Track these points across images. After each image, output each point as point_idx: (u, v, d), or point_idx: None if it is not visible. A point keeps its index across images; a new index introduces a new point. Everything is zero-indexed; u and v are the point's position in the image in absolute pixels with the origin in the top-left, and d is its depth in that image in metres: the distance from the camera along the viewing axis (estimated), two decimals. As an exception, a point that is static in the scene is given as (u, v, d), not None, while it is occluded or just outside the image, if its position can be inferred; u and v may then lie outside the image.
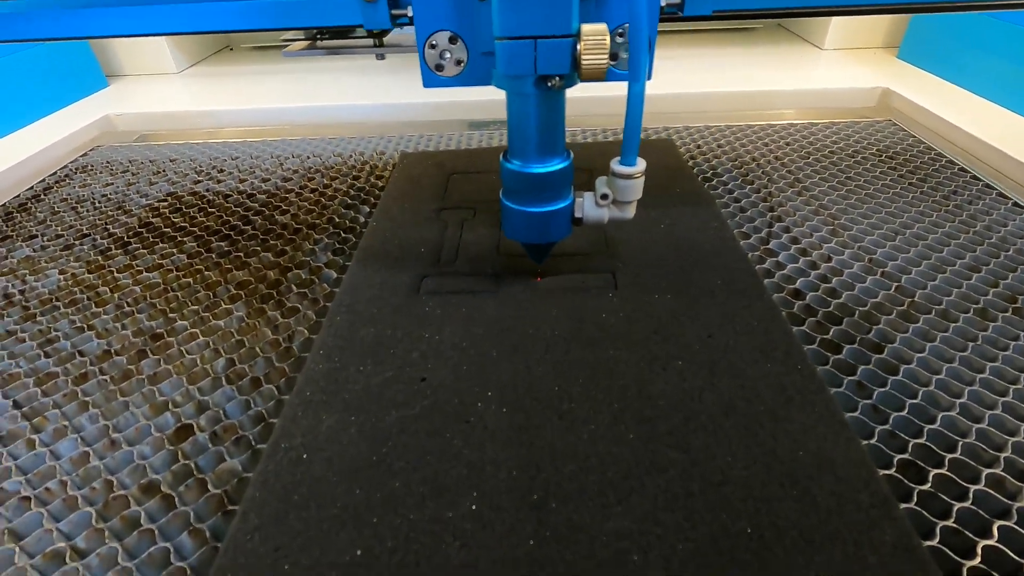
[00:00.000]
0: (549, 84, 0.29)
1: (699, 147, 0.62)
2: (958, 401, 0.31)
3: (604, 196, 0.34)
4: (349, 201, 0.54)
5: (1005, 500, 0.26)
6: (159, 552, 0.26)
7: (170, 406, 0.33)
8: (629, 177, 0.32)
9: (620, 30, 0.31)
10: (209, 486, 0.29)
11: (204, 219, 0.53)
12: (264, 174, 0.61)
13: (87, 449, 0.31)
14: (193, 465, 0.30)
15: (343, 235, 0.49)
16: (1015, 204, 0.48)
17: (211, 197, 0.57)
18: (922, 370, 0.33)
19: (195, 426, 0.32)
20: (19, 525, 0.27)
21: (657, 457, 0.25)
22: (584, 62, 0.27)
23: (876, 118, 0.67)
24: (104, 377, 0.36)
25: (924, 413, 0.30)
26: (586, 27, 0.26)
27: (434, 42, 0.31)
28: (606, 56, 0.27)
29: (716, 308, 0.34)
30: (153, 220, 0.53)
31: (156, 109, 0.79)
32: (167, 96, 0.84)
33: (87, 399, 0.34)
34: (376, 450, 0.26)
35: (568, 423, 0.27)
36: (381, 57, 0.56)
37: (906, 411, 0.30)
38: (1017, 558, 0.24)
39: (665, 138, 0.62)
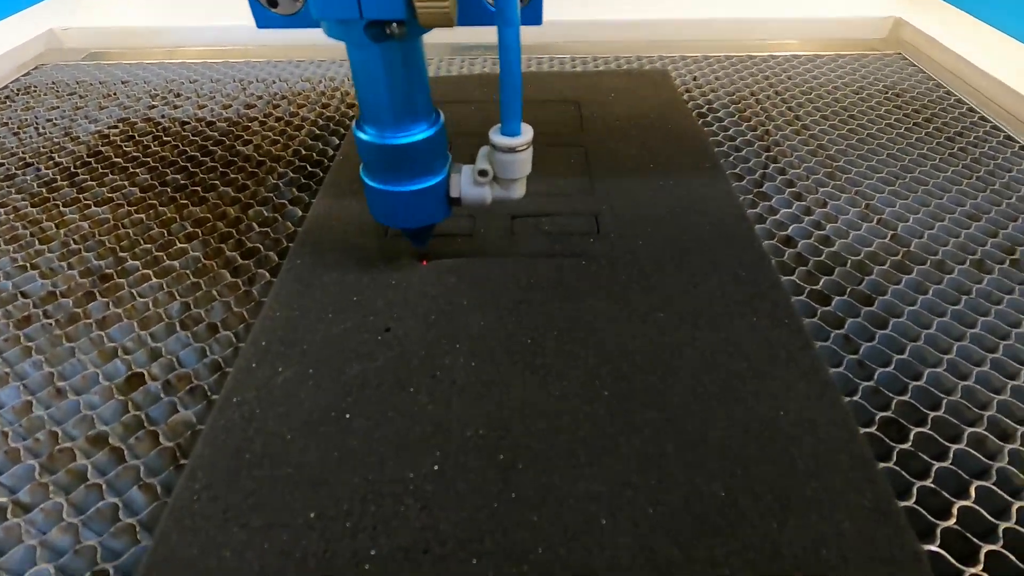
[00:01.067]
0: (388, 32, 0.23)
1: (695, 79, 0.58)
2: (946, 357, 0.30)
3: (483, 173, 0.28)
4: (317, 132, 0.50)
5: (985, 460, 0.25)
6: (107, 507, 0.25)
7: (120, 353, 0.31)
8: (512, 150, 0.26)
9: None
10: (161, 438, 0.27)
11: (159, 148, 0.49)
12: (225, 100, 0.56)
13: (30, 398, 0.29)
14: (144, 416, 0.28)
15: (310, 169, 0.45)
16: (1022, 147, 0.46)
17: (167, 124, 0.52)
18: (912, 324, 0.32)
19: (147, 374, 0.30)
20: (-42, 478, 0.26)
21: (632, 416, 0.24)
22: (419, 5, 0.21)
23: (885, 51, 0.63)
24: (49, 321, 0.33)
25: (910, 369, 0.29)
26: None
27: None
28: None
29: (703, 255, 0.32)
30: (103, 149, 0.49)
31: (106, 24, 0.71)
32: (118, 9, 0.76)
33: (30, 344, 0.32)
34: (335, 405, 0.25)
35: (540, 378, 0.26)
36: None
37: (892, 366, 0.29)
38: (992, 519, 0.23)
39: (660, 68, 0.57)
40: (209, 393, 0.29)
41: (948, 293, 0.33)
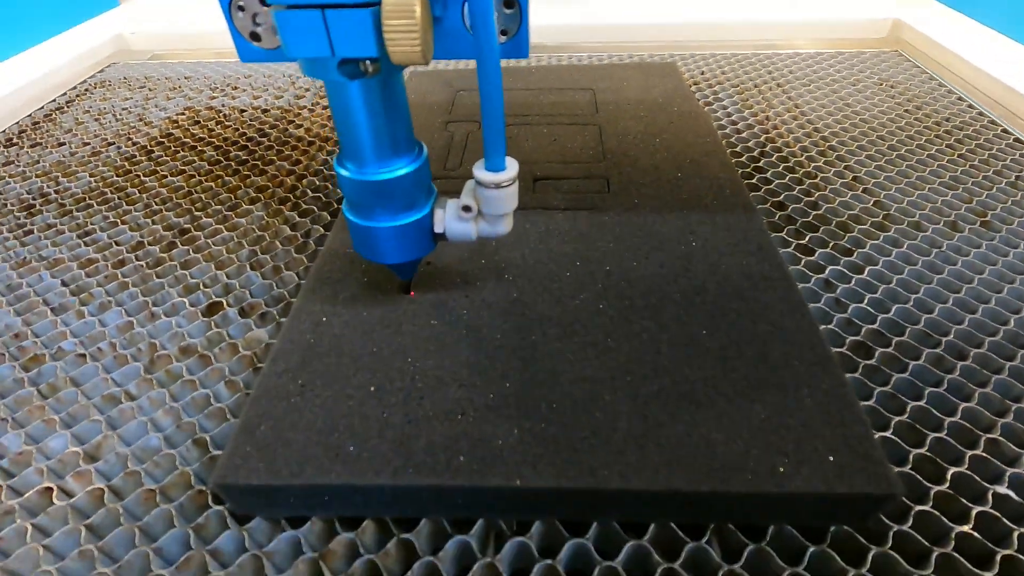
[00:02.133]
0: (361, 69, 0.22)
1: (702, 73, 0.63)
2: (914, 296, 0.34)
3: (467, 208, 0.27)
4: (359, 117, 0.56)
5: (939, 373, 0.30)
6: (200, 396, 0.30)
7: (201, 287, 0.37)
8: (497, 186, 0.25)
9: None
10: (240, 349, 0.33)
11: (222, 131, 0.55)
12: (277, 91, 0.63)
13: (130, 319, 0.35)
14: (225, 333, 0.34)
15: (354, 148, 0.51)
16: (1004, 131, 0.50)
17: (227, 112, 0.59)
18: (887, 271, 0.36)
19: (224, 303, 0.36)
20: (77, 375, 0.32)
21: (632, 326, 0.29)
22: (389, 44, 0.20)
23: (883, 49, 0.67)
24: (140, 263, 0.39)
25: (881, 305, 0.34)
26: None
27: (242, 2, 0.24)
28: (417, 34, 0.20)
29: (700, 212, 0.37)
30: (173, 131, 0.56)
31: (169, 30, 0.79)
32: (177, 16, 0.85)
33: (127, 280, 0.38)
34: (388, 316, 0.30)
35: (556, 298, 0.30)
36: None
37: (865, 302, 0.34)
38: (940, 415, 0.27)
39: (669, 61, 0.63)
40: (278, 317, 0.35)
41: (922, 247, 0.38)
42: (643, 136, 0.45)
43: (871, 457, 0.23)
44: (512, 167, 0.25)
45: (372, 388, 0.26)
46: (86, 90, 0.65)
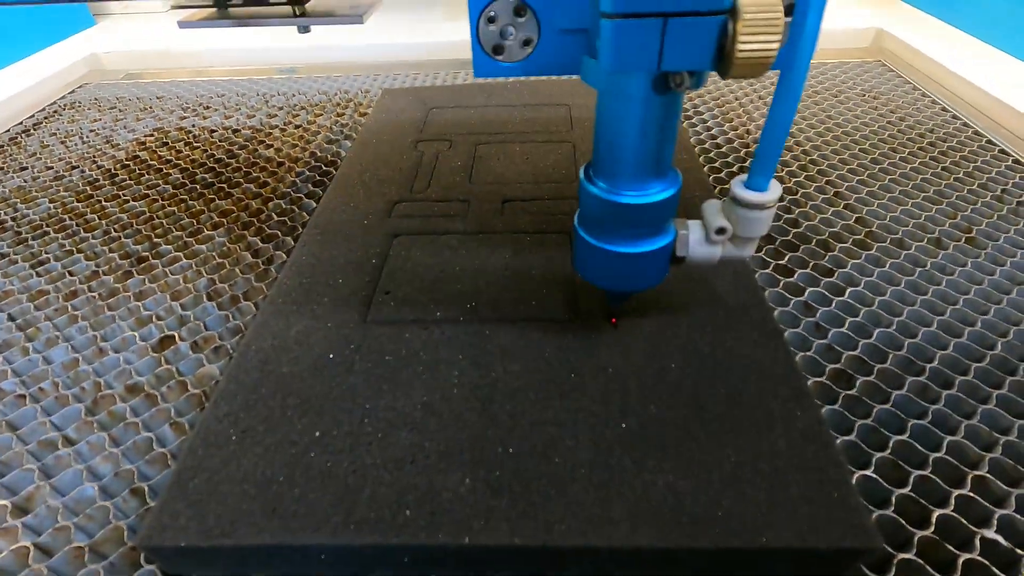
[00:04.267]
0: (672, 84, 0.20)
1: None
2: (897, 319, 0.32)
3: (721, 231, 0.24)
4: (332, 136, 0.55)
5: (923, 403, 0.28)
6: (143, 440, 0.28)
7: (154, 320, 0.35)
8: (760, 207, 0.23)
9: None
10: (189, 387, 0.31)
11: (190, 153, 0.54)
12: (249, 111, 0.61)
13: (77, 355, 0.33)
14: (175, 369, 0.32)
15: (324, 168, 0.50)
16: (989, 141, 0.48)
17: (197, 132, 0.57)
18: (869, 292, 0.34)
19: (177, 337, 0.34)
20: (15, 418, 0.30)
21: (599, 359, 0.27)
22: (741, 49, 0.18)
23: (865, 59, 0.66)
24: (93, 295, 0.37)
25: (863, 330, 0.32)
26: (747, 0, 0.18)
27: (493, 13, 0.23)
28: (776, 41, 0.18)
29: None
30: (140, 154, 0.54)
31: (143, 47, 0.78)
32: (154, 35, 0.83)
33: (76, 313, 0.36)
34: (341, 352, 0.28)
35: (520, 330, 0.29)
36: (305, 30, 0.44)
37: (846, 326, 0.32)
38: (924, 450, 0.26)
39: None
40: (231, 351, 0.33)
41: (905, 267, 0.36)
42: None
43: (848, 505, 0.21)
44: (776, 189, 0.23)
45: (317, 433, 0.24)
46: (55, 112, 0.64)
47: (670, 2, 0.18)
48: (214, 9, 0.45)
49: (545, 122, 0.49)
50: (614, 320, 0.29)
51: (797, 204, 0.42)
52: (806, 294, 0.34)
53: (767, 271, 0.36)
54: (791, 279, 0.35)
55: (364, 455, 0.23)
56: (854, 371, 0.30)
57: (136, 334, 0.34)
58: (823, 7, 0.18)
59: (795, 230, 0.40)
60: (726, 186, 0.44)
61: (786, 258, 0.37)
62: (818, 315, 0.33)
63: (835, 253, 0.37)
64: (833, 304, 0.34)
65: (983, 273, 0.35)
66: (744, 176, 0.23)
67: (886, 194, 0.43)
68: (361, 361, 0.28)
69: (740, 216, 0.23)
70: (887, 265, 0.36)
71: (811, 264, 0.36)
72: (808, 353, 0.31)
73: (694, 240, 0.25)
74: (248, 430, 0.25)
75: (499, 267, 0.33)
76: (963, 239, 0.38)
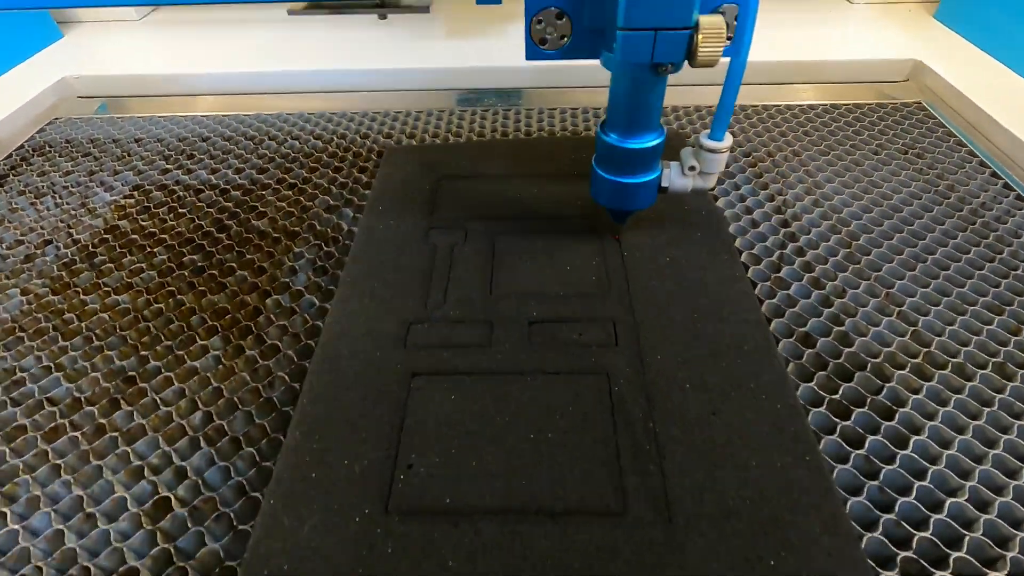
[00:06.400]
0: (661, 70, 0.31)
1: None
2: (968, 485, 0.30)
3: (692, 168, 0.36)
4: (331, 202, 0.50)
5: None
6: (141, 657, 0.25)
7: (147, 472, 0.32)
8: (718, 152, 0.35)
9: (722, 9, 0.32)
10: (191, 574, 0.28)
11: (175, 223, 0.49)
12: (238, 162, 0.56)
13: (62, 526, 0.30)
14: (173, 549, 0.29)
15: (324, 248, 0.46)
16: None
17: (181, 192, 0.52)
18: (933, 443, 0.31)
19: (173, 499, 0.31)
20: (-3, 619, 0.27)
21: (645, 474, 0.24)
22: (700, 52, 0.29)
23: (904, 99, 0.61)
24: (75, 433, 0.34)
25: (930, 496, 0.29)
26: (704, 19, 0.28)
27: (541, 18, 0.33)
28: (722, 46, 0.28)
29: (720, 380, 0.32)
30: (119, 223, 0.49)
31: (118, 70, 0.71)
32: (129, 52, 0.76)
33: (59, 462, 0.32)
34: (361, 558, 0.25)
35: (560, 527, 0.26)
36: (383, 17, 0.54)
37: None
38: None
39: (672, 129, 0.57)
40: (235, 523, 0.30)
41: (969, 406, 0.33)
42: (653, 249, 0.40)
43: None
44: (728, 138, 0.35)
45: None
46: (22, 159, 0.58)
47: (659, 22, 0.28)
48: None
49: (569, 199, 0.45)
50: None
51: (847, 312, 0.39)
52: (866, 446, 0.31)
53: (820, 409, 0.33)
54: (847, 422, 0.32)
55: None
56: (908, 525, 0.27)
57: (127, 495, 0.31)
58: (754, 22, 0.30)
59: (847, 348, 0.36)
60: (772, 295, 0.41)
61: (840, 391, 0.34)
62: (881, 478, 0.30)
63: (893, 384, 0.34)
64: (897, 462, 0.31)
65: (1055, 415, 0.32)
66: (707, 131, 0.35)
67: (941, 297, 0.39)
68: (382, 564, 0.25)
69: (705, 158, 0.36)
70: (951, 403, 0.33)
71: (868, 401, 0.33)
72: (875, 534, 0.28)
73: (674, 175, 0.37)
74: None
75: (530, 427, 0.30)
76: (1005, 311, 0.35)
